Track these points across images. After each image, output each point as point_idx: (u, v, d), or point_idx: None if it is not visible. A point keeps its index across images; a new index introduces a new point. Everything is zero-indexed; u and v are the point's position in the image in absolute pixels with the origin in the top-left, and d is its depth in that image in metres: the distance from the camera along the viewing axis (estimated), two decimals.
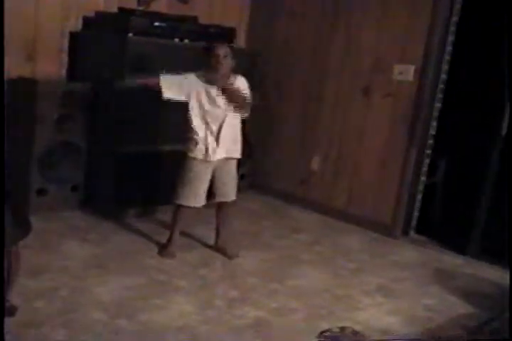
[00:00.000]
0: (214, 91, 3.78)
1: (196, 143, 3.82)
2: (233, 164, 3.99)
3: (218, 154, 3.85)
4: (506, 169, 4.33)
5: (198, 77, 3.79)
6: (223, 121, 3.83)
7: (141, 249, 4.05)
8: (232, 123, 3.88)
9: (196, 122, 3.82)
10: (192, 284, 3.60)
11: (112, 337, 2.92)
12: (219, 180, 3.95)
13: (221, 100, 3.79)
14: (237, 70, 3.85)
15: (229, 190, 4.01)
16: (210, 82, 3.77)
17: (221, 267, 3.93)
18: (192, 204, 3.91)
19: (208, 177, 3.90)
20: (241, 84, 3.86)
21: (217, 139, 3.83)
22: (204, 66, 3.78)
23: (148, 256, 3.95)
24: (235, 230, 4.45)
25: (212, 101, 3.79)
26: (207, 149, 3.82)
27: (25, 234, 2.93)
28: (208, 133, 3.82)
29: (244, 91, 3.84)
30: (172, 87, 3.77)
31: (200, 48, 3.84)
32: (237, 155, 3.98)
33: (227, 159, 3.91)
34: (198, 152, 3.83)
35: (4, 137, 3.09)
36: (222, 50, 3.74)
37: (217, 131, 3.83)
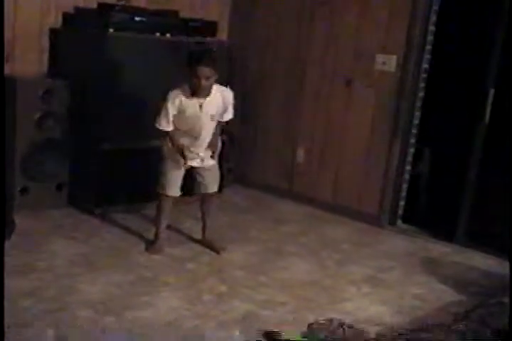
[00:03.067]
0: (197, 108, 3.74)
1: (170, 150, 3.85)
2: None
3: (191, 162, 3.87)
4: (490, 156, 4.36)
5: (182, 93, 3.72)
6: (200, 136, 3.82)
7: (128, 245, 4.04)
8: (210, 137, 3.88)
9: (176, 132, 3.82)
10: (180, 279, 3.60)
11: (101, 335, 2.90)
12: (199, 173, 3.97)
13: (204, 116, 3.77)
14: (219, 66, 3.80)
15: (210, 183, 4.01)
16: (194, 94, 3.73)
17: (209, 261, 3.92)
18: (168, 193, 3.92)
19: (183, 171, 3.90)
20: (227, 97, 3.83)
21: (193, 149, 3.84)
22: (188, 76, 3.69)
23: (136, 252, 3.93)
24: (222, 224, 4.44)
25: (193, 117, 3.76)
26: (182, 156, 3.83)
27: (10, 233, 2.91)
28: (186, 143, 3.82)
29: (224, 113, 3.85)
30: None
31: (186, 43, 3.78)
32: (212, 162, 3.97)
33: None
34: (175, 156, 3.84)
35: (4, 137, 3.06)
36: (205, 73, 3.62)
37: (193, 142, 3.83)
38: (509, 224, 4.05)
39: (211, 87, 3.73)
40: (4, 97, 3.28)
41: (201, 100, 3.74)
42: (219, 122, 3.89)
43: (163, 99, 3.73)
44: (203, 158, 3.91)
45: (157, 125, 3.80)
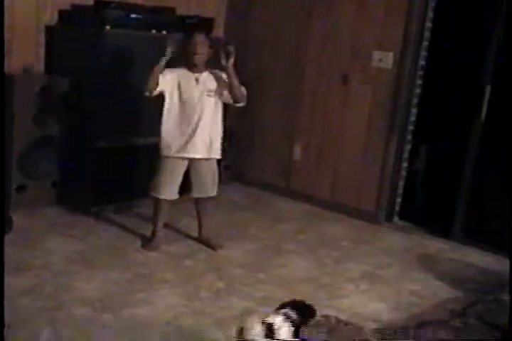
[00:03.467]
0: (193, 81, 3.75)
1: (169, 140, 3.79)
2: (213, 161, 3.95)
3: (193, 152, 3.82)
4: (487, 153, 4.37)
5: (178, 68, 3.76)
6: (201, 116, 3.79)
7: (124, 243, 4.03)
8: (212, 117, 3.83)
9: (171, 117, 3.78)
10: (177, 277, 3.59)
11: (98, 333, 2.90)
12: (197, 175, 3.92)
13: (200, 91, 3.76)
14: (214, 61, 3.81)
15: (207, 187, 3.97)
16: (191, 70, 3.75)
17: (206, 259, 3.92)
18: (163, 197, 3.89)
19: (182, 172, 3.88)
20: (219, 73, 3.83)
21: (193, 135, 3.79)
22: (183, 59, 3.74)
23: (132, 250, 3.93)
24: (219, 221, 4.44)
25: (190, 92, 3.76)
26: (181, 146, 3.79)
27: (6, 231, 2.90)
28: (185, 128, 3.78)
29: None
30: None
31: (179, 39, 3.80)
32: (216, 155, 3.93)
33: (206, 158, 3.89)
34: (172, 149, 3.80)
35: (4, 137, 3.05)
36: (200, 38, 3.70)
37: (194, 126, 3.79)
38: (509, 221, 4.06)
39: (205, 61, 3.75)
40: (4, 96, 3.27)
41: (197, 75, 3.75)
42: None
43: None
44: (209, 147, 3.84)
45: (146, 90, 3.67)
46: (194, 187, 3.96)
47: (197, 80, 3.76)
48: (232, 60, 3.71)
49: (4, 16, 3.14)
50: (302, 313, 2.60)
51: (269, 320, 2.50)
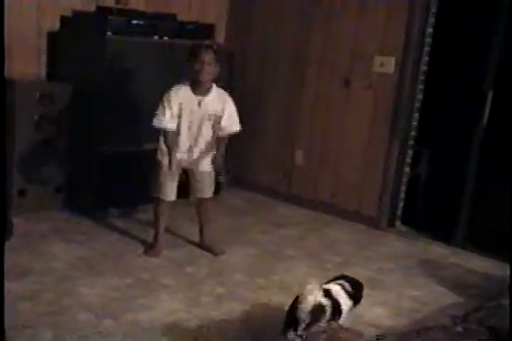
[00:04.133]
0: (196, 105, 3.75)
1: (165, 154, 3.82)
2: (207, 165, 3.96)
3: (188, 166, 3.88)
4: (489, 158, 4.36)
5: (183, 89, 3.73)
6: (198, 138, 3.81)
7: (126, 248, 4.04)
8: (209, 138, 3.85)
9: (172, 134, 3.79)
10: (178, 282, 3.59)
11: (99, 338, 2.90)
12: (193, 177, 3.95)
13: (201, 115, 3.77)
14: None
15: (204, 188, 3.99)
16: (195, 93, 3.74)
17: (207, 264, 3.92)
18: (162, 197, 3.91)
19: (177, 173, 3.89)
20: (227, 101, 3.82)
21: (189, 151, 3.84)
22: (188, 70, 3.71)
23: (134, 255, 3.93)
24: (220, 227, 4.44)
25: (191, 114, 3.76)
26: (178, 160, 3.83)
27: (8, 236, 2.91)
28: (182, 147, 3.82)
29: (227, 121, 3.83)
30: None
31: (184, 46, 3.79)
32: (207, 168, 3.95)
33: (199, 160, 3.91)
34: (170, 162, 3.82)
35: (4, 137, 3.05)
36: (208, 56, 3.63)
37: (191, 146, 3.83)
38: (509, 225, 4.05)
39: (211, 82, 3.74)
40: (5, 99, 3.28)
41: (199, 97, 3.74)
42: (219, 139, 3.86)
43: (162, 97, 3.72)
44: (198, 163, 3.89)
45: (157, 122, 3.72)
46: (191, 188, 4.00)
47: (199, 104, 3.75)
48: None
49: (4, 16, 3.14)
50: (355, 287, 2.93)
51: (328, 286, 2.80)
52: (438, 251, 4.49)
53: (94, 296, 3.31)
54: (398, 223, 4.88)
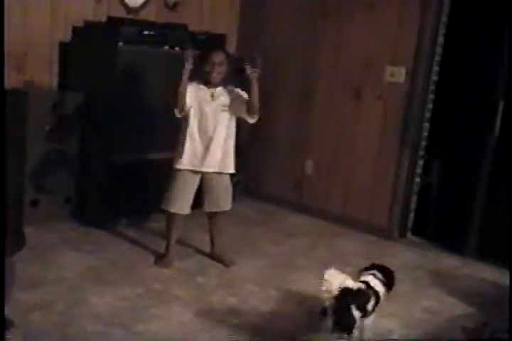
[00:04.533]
0: (209, 97, 3.78)
1: (182, 153, 3.80)
2: (226, 176, 3.94)
3: (206, 166, 3.83)
4: (501, 168, 4.34)
5: (195, 83, 3.78)
6: (214, 131, 3.80)
7: (136, 258, 4.03)
8: (225, 132, 3.84)
9: (188, 131, 3.80)
10: (189, 292, 3.58)
11: None
12: (210, 190, 3.91)
13: (216, 106, 3.78)
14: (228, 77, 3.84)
15: (220, 201, 3.95)
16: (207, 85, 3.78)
17: (218, 274, 3.91)
18: (175, 211, 3.89)
19: (195, 186, 3.88)
20: (236, 90, 3.85)
21: (207, 150, 3.81)
22: (198, 75, 3.75)
23: (144, 265, 3.93)
24: (231, 237, 4.43)
25: (206, 107, 3.78)
26: (195, 160, 3.81)
27: (20, 246, 2.91)
28: (199, 143, 3.81)
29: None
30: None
31: (196, 56, 3.81)
32: (230, 169, 3.93)
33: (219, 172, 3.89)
34: (185, 163, 3.82)
35: (4, 137, 3.06)
36: (218, 57, 3.72)
37: (208, 141, 3.80)
38: (509, 229, 4.03)
39: (222, 78, 3.77)
40: (4, 100, 3.29)
41: (212, 90, 3.78)
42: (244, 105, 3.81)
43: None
44: (220, 164, 3.85)
45: (177, 109, 3.72)
46: (206, 201, 3.95)
47: (212, 95, 3.79)
48: (257, 71, 3.68)
49: (4, 16, 3.16)
50: (386, 275, 3.10)
51: (363, 278, 2.97)
52: (449, 261, 4.46)
53: (104, 306, 3.31)
54: (409, 233, 4.85)
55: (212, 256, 4.13)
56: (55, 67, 4.60)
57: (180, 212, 3.90)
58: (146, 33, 4.39)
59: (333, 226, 5.01)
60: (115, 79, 4.31)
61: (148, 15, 4.96)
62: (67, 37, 4.58)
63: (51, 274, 3.65)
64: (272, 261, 4.20)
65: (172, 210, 3.89)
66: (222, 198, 3.96)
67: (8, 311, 2.92)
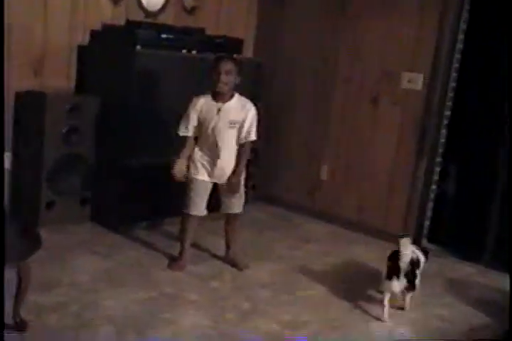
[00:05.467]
0: (215, 111, 3.76)
1: (194, 163, 3.84)
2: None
3: (217, 178, 3.86)
4: None
5: (204, 97, 3.78)
6: (221, 146, 3.79)
7: (150, 261, 4.03)
8: (234, 147, 3.83)
9: (199, 144, 3.84)
10: (203, 297, 3.58)
11: None
12: (223, 193, 3.92)
13: (221, 122, 3.76)
14: (242, 82, 3.82)
15: (233, 203, 3.96)
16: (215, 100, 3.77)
17: (232, 279, 3.90)
18: (191, 213, 3.89)
19: (208, 190, 3.90)
20: (249, 111, 3.78)
21: (214, 164, 3.82)
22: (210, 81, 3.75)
23: (159, 269, 3.92)
24: (245, 241, 4.42)
25: (211, 122, 3.77)
26: (205, 171, 3.84)
27: (36, 248, 2.92)
28: (207, 156, 3.82)
29: (247, 131, 3.79)
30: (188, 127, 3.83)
31: (209, 60, 3.82)
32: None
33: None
34: (196, 172, 3.85)
35: (4, 137, 3.07)
36: (226, 66, 3.67)
37: (214, 156, 3.81)
38: (509, 229, 3.99)
39: (231, 89, 3.74)
40: (3, 99, 3.32)
41: (220, 104, 3.75)
42: (242, 145, 3.82)
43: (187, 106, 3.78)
44: (225, 176, 3.85)
45: (178, 131, 3.82)
46: (221, 204, 3.97)
47: (219, 110, 3.75)
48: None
49: (4, 16, 3.18)
50: (422, 251, 3.72)
51: (410, 248, 3.47)
52: (465, 269, 4.43)
53: (118, 309, 3.31)
54: (424, 241, 4.81)
55: (226, 260, 4.12)
56: (73, 70, 4.61)
57: (199, 214, 3.91)
58: (164, 36, 4.40)
59: (348, 233, 4.99)
60: (132, 83, 4.31)
61: (167, 18, 4.97)
62: (86, 40, 4.59)
63: (66, 276, 3.65)
64: (286, 266, 4.18)
65: (192, 213, 3.89)
66: (234, 201, 3.96)
67: (23, 312, 2.95)
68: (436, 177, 4.73)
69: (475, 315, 3.65)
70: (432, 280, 4.13)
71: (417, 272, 3.51)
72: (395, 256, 3.42)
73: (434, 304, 3.78)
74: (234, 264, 4.06)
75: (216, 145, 3.79)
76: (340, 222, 5.10)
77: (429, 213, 4.78)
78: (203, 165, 3.84)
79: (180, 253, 4.00)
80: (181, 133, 3.83)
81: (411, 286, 3.46)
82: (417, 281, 3.50)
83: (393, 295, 3.44)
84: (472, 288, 4.12)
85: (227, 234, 4.11)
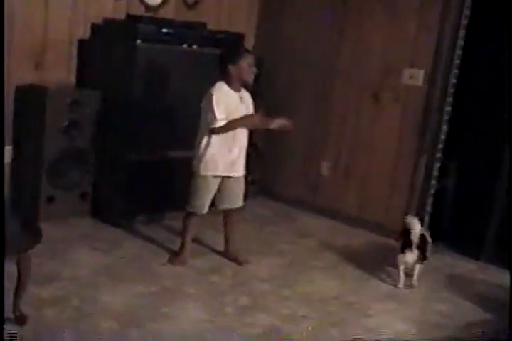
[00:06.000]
0: (238, 100, 3.75)
1: (209, 160, 3.77)
2: (242, 177, 3.95)
3: (235, 171, 3.84)
4: None
5: (224, 87, 3.72)
6: (241, 136, 3.81)
7: (151, 256, 4.04)
8: (247, 136, 3.86)
9: (219, 137, 3.73)
10: (202, 291, 3.58)
11: None
12: (226, 188, 3.90)
13: (245, 110, 3.78)
14: None
15: (235, 198, 3.96)
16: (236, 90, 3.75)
17: (231, 274, 3.91)
18: (199, 213, 3.89)
19: (216, 187, 3.88)
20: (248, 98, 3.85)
21: (234, 155, 3.80)
22: (220, 75, 3.72)
23: (159, 263, 3.93)
24: (245, 236, 4.42)
25: (236, 111, 3.73)
26: (227, 166, 3.80)
27: (36, 242, 2.92)
28: (228, 148, 3.77)
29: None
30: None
31: (214, 55, 3.80)
32: (242, 172, 3.94)
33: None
34: (218, 168, 3.80)
35: (3, 137, 3.08)
36: (251, 59, 3.69)
37: (238, 146, 3.80)
38: (509, 225, 3.99)
39: None
40: (3, 93, 3.32)
41: (239, 93, 3.76)
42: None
43: (208, 97, 3.66)
44: (234, 166, 3.84)
45: (217, 122, 3.64)
46: (223, 199, 3.94)
47: (241, 98, 3.77)
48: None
49: (4, 16, 3.18)
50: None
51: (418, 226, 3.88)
52: (465, 265, 4.43)
53: (118, 304, 3.32)
54: None
55: (226, 254, 4.12)
56: (74, 65, 4.61)
57: (204, 212, 3.91)
58: (164, 31, 4.38)
59: (348, 227, 4.99)
60: (133, 77, 4.30)
61: (167, 13, 4.96)
62: (86, 34, 4.58)
63: (66, 270, 3.66)
64: (286, 260, 4.19)
65: (198, 212, 3.88)
66: (236, 196, 3.96)
67: (23, 306, 2.95)
68: (436, 173, 4.72)
69: (474, 311, 3.66)
70: (431, 276, 4.14)
71: (427, 245, 3.94)
72: (406, 232, 3.86)
73: (433, 300, 3.79)
74: (234, 259, 4.06)
75: (238, 135, 3.77)
76: (340, 216, 5.10)
77: (429, 209, 4.78)
78: (219, 158, 3.77)
79: (182, 247, 3.99)
80: (221, 121, 3.64)
81: (422, 257, 3.87)
82: (428, 254, 3.95)
83: (407, 265, 3.88)
84: (471, 283, 4.12)
85: (226, 228, 4.11)
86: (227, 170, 3.83)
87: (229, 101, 3.69)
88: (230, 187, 3.90)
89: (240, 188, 3.96)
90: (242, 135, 3.81)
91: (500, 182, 4.40)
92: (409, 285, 3.91)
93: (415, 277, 3.92)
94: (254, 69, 3.73)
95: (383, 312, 3.55)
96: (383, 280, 3.98)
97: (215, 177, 3.83)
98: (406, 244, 3.85)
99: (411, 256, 3.83)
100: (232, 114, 3.70)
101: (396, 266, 3.92)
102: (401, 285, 3.88)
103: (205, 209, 3.90)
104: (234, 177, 3.89)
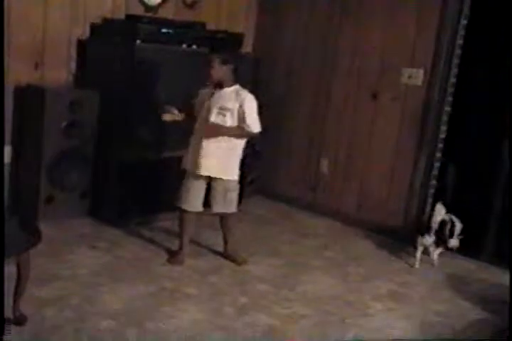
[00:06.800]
0: (207, 96, 3.83)
1: (187, 154, 3.88)
2: (227, 181, 3.88)
3: (203, 170, 3.80)
4: None
5: (204, 91, 3.87)
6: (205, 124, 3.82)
7: (150, 256, 4.04)
8: (220, 138, 3.79)
9: (194, 132, 3.86)
10: (202, 292, 3.58)
11: None
12: (215, 191, 3.89)
13: (211, 106, 3.78)
14: (241, 76, 3.83)
15: (226, 203, 3.92)
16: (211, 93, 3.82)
17: (231, 274, 3.91)
18: (185, 208, 3.91)
19: (202, 185, 3.88)
20: (245, 100, 3.75)
21: (200, 153, 3.78)
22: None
23: (158, 263, 3.93)
24: (244, 236, 4.43)
25: (202, 107, 3.83)
26: (194, 162, 3.82)
27: (35, 242, 2.92)
28: (196, 145, 3.82)
29: (247, 117, 3.76)
30: None
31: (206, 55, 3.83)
32: (229, 176, 3.87)
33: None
34: (186, 163, 3.89)
35: (3, 137, 3.08)
36: (213, 60, 3.73)
37: (201, 144, 3.79)
38: (509, 225, 3.98)
39: (222, 79, 3.75)
40: (3, 93, 3.32)
41: (214, 90, 3.80)
42: (242, 128, 3.79)
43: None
44: (217, 169, 3.82)
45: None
46: (211, 201, 3.94)
47: (212, 94, 3.80)
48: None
49: (4, 16, 3.17)
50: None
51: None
52: (465, 265, 4.43)
53: (117, 304, 3.32)
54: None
55: (225, 255, 4.12)
56: (73, 64, 4.60)
57: (191, 209, 3.91)
58: (164, 31, 4.39)
59: (347, 227, 4.99)
60: (132, 77, 4.31)
61: (167, 13, 4.96)
62: (86, 34, 4.59)
63: (65, 270, 3.66)
64: (285, 260, 4.19)
65: (183, 207, 3.91)
66: (227, 201, 3.92)
67: (23, 306, 2.95)
68: (435, 173, 4.72)
69: (474, 311, 3.66)
70: (431, 276, 4.16)
71: (454, 232, 4.26)
72: (428, 217, 4.33)
73: (432, 299, 3.79)
74: (233, 259, 4.06)
75: (203, 131, 3.79)
76: (340, 216, 5.10)
77: (428, 208, 4.77)
78: (192, 155, 3.83)
79: (180, 247, 4.00)
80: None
81: (440, 242, 4.25)
82: (455, 241, 4.26)
83: (425, 247, 4.29)
84: (471, 283, 4.12)
85: (223, 231, 4.11)
86: (195, 167, 3.80)
87: (200, 96, 3.92)
88: (214, 188, 3.89)
89: (220, 194, 3.88)
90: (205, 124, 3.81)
91: (499, 181, 4.40)
92: (430, 264, 4.31)
93: (435, 257, 4.31)
94: (213, 71, 3.75)
95: (383, 312, 3.55)
96: (403, 259, 4.40)
97: (192, 173, 3.84)
98: (426, 228, 4.25)
99: (429, 240, 4.22)
100: (200, 108, 3.88)
101: (416, 248, 4.30)
102: (417, 265, 4.25)
103: (193, 207, 3.90)
104: (217, 180, 3.85)
